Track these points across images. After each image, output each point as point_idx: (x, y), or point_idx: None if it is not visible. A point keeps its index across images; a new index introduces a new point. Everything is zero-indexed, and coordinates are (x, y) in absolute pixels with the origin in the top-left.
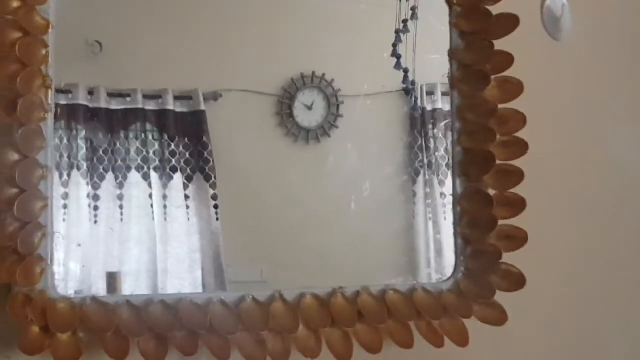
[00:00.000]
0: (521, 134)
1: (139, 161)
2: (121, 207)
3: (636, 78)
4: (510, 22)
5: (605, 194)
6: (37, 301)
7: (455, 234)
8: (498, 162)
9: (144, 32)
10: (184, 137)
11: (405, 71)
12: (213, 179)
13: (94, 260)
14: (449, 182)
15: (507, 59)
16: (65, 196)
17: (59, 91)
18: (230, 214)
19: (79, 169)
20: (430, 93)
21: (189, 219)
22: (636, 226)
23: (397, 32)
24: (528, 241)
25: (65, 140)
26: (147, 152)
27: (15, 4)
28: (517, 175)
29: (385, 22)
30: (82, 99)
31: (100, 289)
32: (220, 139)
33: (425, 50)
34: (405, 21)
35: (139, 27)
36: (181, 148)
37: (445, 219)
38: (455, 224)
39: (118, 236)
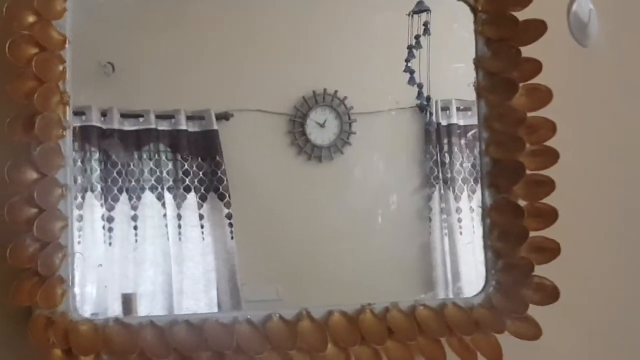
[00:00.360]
0: (551, 143)
1: (152, 181)
2: (135, 227)
3: None
4: (537, 28)
5: (638, 202)
6: (58, 324)
7: (485, 247)
8: (528, 172)
9: (155, 52)
10: (197, 157)
11: (420, 86)
12: (227, 197)
13: (109, 282)
14: (464, 196)
15: (535, 66)
16: (80, 218)
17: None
18: (245, 232)
19: (92, 190)
20: (445, 109)
21: (203, 238)
22: None
23: (410, 47)
24: (561, 252)
25: (79, 162)
26: (161, 172)
27: (31, 19)
28: (548, 185)
29: (397, 38)
30: (96, 121)
31: (116, 310)
32: (233, 158)
33: (449, 59)
34: (417, 37)
35: (150, 47)
36: (195, 167)
37: (461, 233)
38: (484, 236)
39: (133, 257)
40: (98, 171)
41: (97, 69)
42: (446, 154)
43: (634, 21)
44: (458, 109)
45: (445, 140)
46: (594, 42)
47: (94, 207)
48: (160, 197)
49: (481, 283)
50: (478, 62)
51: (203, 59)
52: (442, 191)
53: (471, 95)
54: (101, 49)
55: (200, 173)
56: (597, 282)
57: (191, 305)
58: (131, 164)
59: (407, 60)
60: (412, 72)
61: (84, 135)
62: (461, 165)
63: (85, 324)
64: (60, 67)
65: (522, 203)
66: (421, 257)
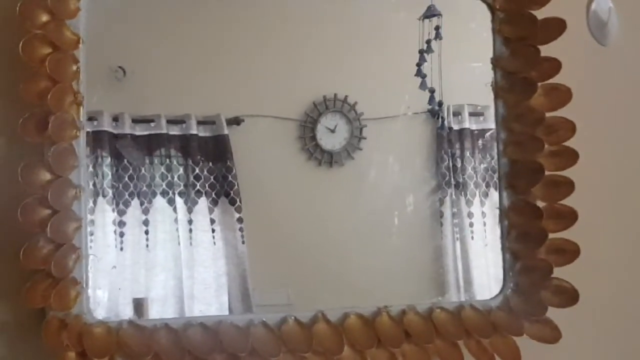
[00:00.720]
0: (570, 143)
1: (163, 186)
2: (147, 232)
3: None
4: (556, 27)
5: None
6: (72, 326)
7: (503, 249)
8: (547, 172)
9: (166, 57)
10: (208, 162)
11: (431, 91)
12: (238, 202)
13: (120, 286)
14: (476, 201)
15: (554, 66)
16: (91, 223)
17: None
18: (256, 237)
19: (104, 195)
20: (457, 114)
21: (214, 243)
22: None
23: (421, 52)
24: (580, 254)
25: (90, 167)
26: (172, 177)
27: (44, 18)
28: (567, 186)
29: (408, 44)
30: (107, 126)
31: (127, 315)
32: (244, 163)
33: (465, 60)
34: (429, 41)
35: (161, 52)
36: (205, 172)
37: (472, 238)
38: (502, 238)
39: (144, 262)
40: (109, 176)
41: (109, 74)
42: (458, 159)
43: None
44: (470, 114)
45: (457, 145)
46: (613, 40)
47: (106, 212)
48: (171, 202)
49: (493, 287)
50: (496, 62)
51: (214, 64)
52: (453, 196)
53: (484, 100)
54: (112, 53)
55: (212, 178)
56: (617, 285)
57: (202, 310)
58: (142, 169)
59: (418, 65)
60: (423, 76)
61: (96, 140)
62: (473, 170)
63: (99, 327)
64: (74, 67)
65: (540, 204)
66: (433, 262)
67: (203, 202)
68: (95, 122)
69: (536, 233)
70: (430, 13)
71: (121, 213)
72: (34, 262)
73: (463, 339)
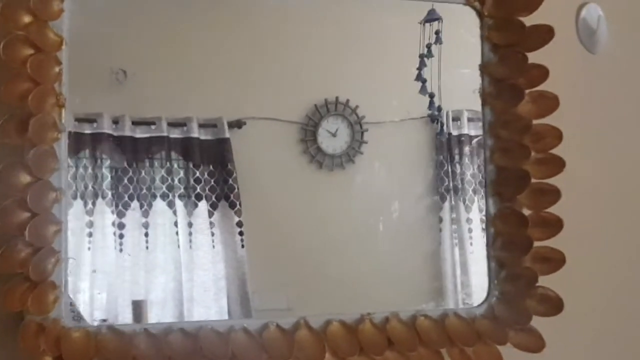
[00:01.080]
0: (557, 151)
1: (164, 189)
2: (146, 235)
3: None
4: (544, 34)
5: None
6: (50, 330)
7: (489, 257)
8: (533, 180)
9: (168, 60)
10: (208, 165)
11: (431, 96)
12: (238, 206)
13: (119, 288)
14: (475, 207)
15: (542, 73)
16: (90, 224)
17: (83, 120)
18: (255, 241)
19: (103, 197)
20: (456, 119)
21: (214, 246)
22: None
23: (422, 56)
24: (565, 263)
25: (89, 169)
26: (172, 180)
27: (27, 19)
28: (553, 194)
29: (409, 48)
30: (107, 128)
31: (126, 317)
32: (244, 166)
33: (456, 64)
34: (429, 45)
35: (163, 55)
36: (206, 175)
37: (471, 244)
38: (488, 246)
39: (143, 264)
40: (109, 178)
41: (109, 76)
42: (457, 165)
43: None
44: (469, 120)
45: (456, 151)
46: (602, 49)
47: (105, 214)
48: (171, 205)
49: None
50: (484, 68)
51: (216, 67)
52: (452, 202)
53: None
54: (113, 55)
55: (212, 181)
56: (601, 294)
57: (202, 313)
58: (142, 172)
59: (418, 69)
60: (423, 81)
61: (95, 142)
62: (472, 175)
63: (77, 331)
64: (57, 69)
65: (526, 212)
66: (431, 266)
67: (203, 206)
68: (95, 124)
69: (522, 241)
70: (431, 17)
71: (121, 215)
72: (11, 266)
73: (446, 347)
